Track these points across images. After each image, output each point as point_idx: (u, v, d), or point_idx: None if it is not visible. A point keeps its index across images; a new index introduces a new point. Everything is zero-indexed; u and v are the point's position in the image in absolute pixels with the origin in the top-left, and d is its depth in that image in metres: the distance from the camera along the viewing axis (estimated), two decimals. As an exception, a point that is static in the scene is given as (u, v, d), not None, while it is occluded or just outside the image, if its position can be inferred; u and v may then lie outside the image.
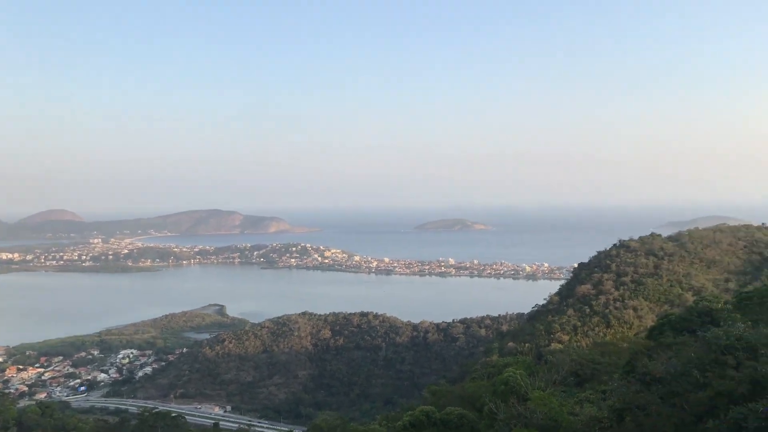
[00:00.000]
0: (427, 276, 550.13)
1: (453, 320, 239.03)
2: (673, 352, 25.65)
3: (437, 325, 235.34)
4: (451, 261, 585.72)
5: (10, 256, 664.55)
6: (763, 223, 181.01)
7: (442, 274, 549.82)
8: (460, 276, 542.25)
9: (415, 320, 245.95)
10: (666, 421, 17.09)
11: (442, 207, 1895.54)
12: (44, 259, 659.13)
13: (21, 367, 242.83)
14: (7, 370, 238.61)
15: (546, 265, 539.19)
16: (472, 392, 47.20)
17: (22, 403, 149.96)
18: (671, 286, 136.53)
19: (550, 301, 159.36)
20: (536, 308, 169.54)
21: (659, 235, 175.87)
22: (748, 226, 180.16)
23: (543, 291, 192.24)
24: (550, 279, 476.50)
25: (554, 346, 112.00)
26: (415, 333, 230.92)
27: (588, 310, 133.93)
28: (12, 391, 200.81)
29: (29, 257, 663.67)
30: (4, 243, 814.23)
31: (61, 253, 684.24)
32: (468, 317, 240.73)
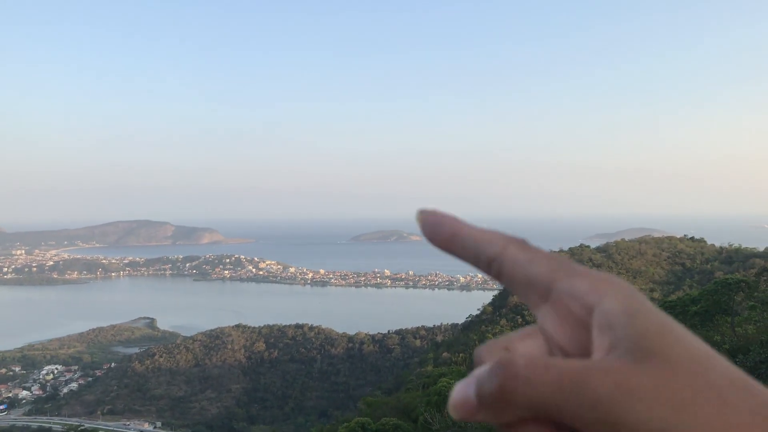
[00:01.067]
0: (363, 287, 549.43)
1: (389, 331, 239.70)
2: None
3: (372, 336, 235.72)
4: (387, 272, 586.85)
5: None
6: (685, 235, 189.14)
7: (377, 285, 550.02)
8: (395, 287, 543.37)
9: (351, 332, 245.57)
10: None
11: (378, 218, 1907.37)
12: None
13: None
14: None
15: (479, 275, 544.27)
16: (408, 403, 47.26)
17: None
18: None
19: (483, 312, 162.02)
20: (470, 318, 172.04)
21: (588, 246, 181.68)
22: (671, 238, 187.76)
23: (477, 301, 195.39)
24: (484, 289, 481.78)
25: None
26: (350, 344, 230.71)
27: (520, 320, 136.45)
28: None
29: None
30: None
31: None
32: (403, 328, 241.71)
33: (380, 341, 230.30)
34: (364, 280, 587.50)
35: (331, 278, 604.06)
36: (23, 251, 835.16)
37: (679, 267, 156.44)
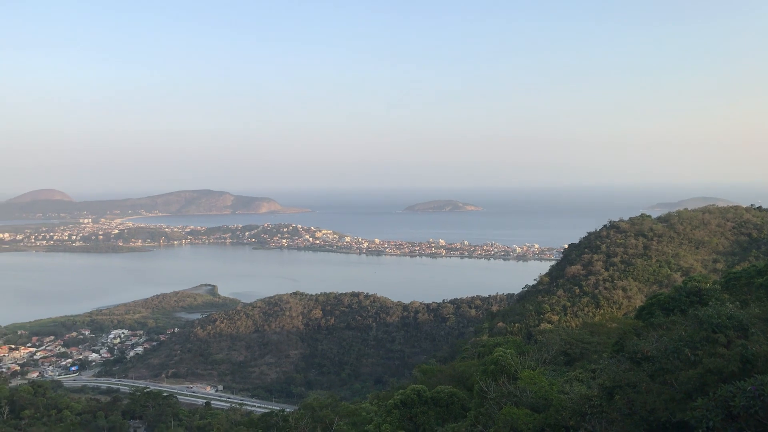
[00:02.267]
0: (418, 257, 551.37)
1: (443, 301, 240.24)
2: (663, 331, 25.79)
3: (427, 305, 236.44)
4: (442, 242, 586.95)
5: (0, 235, 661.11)
6: (752, 205, 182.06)
7: (432, 255, 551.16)
8: (450, 257, 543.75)
9: (406, 300, 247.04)
10: (656, 398, 17.18)
11: (434, 188, 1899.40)
12: (34, 239, 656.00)
13: (13, 346, 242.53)
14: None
15: (536, 246, 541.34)
16: (463, 371, 47.43)
17: (14, 382, 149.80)
18: (660, 266, 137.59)
19: (540, 282, 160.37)
20: (526, 289, 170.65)
21: (649, 216, 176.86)
22: (737, 208, 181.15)
23: (533, 272, 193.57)
24: (541, 260, 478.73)
25: (544, 326, 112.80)
26: (405, 313, 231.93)
27: (578, 291, 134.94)
28: (4, 370, 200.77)
29: (19, 237, 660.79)
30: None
31: (51, 233, 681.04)
32: (458, 298, 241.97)
33: (435, 310, 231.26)
34: (419, 250, 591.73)
35: (386, 247, 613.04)
36: (90, 220, 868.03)
37: (745, 237, 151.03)
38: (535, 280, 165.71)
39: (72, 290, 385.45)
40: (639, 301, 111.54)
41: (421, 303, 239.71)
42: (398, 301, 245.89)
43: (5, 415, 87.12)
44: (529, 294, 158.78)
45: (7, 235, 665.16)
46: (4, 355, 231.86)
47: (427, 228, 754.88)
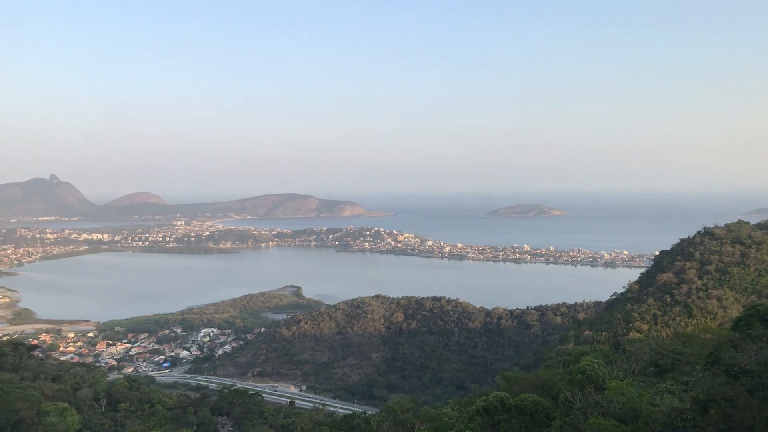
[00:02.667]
0: (501, 262, 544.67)
1: (527, 307, 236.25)
2: (763, 343, 24.51)
3: (511, 311, 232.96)
4: (526, 247, 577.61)
5: (100, 236, 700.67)
6: None
7: (516, 261, 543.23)
8: (535, 262, 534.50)
9: (488, 306, 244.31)
10: (755, 414, 16.35)
11: (518, 192, 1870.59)
12: (131, 239, 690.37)
13: (110, 342, 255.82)
14: (98, 344, 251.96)
15: (626, 252, 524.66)
16: (547, 380, 46.48)
17: (112, 376, 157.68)
18: (759, 275, 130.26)
19: (629, 290, 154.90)
20: (614, 296, 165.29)
21: (747, 223, 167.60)
22: None
23: (622, 279, 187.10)
24: (630, 267, 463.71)
25: (633, 335, 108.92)
26: (488, 319, 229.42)
27: (669, 300, 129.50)
28: (102, 365, 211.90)
29: (117, 238, 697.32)
30: (95, 224, 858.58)
31: (147, 235, 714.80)
32: (543, 304, 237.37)
33: (519, 317, 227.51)
34: (502, 255, 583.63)
35: (469, 252, 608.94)
36: (183, 222, 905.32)
37: None
38: (623, 287, 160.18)
39: (165, 289, 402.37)
40: (735, 311, 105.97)
41: (504, 309, 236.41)
42: (481, 307, 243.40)
43: (103, 407, 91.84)
44: (618, 302, 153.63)
45: (106, 236, 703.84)
46: (102, 350, 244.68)
47: (511, 232, 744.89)
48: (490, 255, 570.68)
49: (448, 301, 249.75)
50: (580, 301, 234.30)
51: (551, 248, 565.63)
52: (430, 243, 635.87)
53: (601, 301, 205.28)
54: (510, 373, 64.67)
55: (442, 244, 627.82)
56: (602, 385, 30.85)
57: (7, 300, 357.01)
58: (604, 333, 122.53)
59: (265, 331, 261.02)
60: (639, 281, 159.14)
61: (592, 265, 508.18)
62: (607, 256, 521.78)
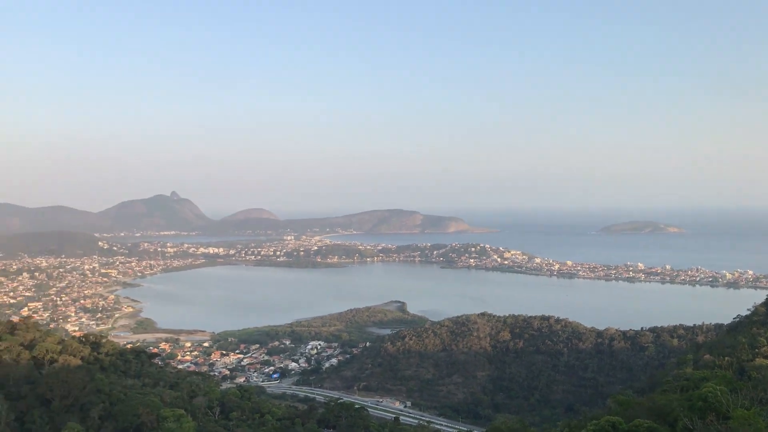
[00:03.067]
0: (613, 281, 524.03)
1: (641, 328, 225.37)
2: None
3: (624, 332, 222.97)
4: (641, 266, 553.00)
5: (216, 250, 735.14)
6: None
7: (629, 279, 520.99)
8: (650, 281, 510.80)
9: (600, 326, 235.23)
10: None
11: (632, 208, 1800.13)
12: (244, 253, 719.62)
13: (224, 352, 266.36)
14: (213, 354, 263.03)
15: (750, 272, 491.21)
16: (664, 405, 44.02)
17: (225, 385, 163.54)
18: None
19: (754, 312, 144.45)
20: (738, 319, 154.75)
21: None
22: None
23: (746, 301, 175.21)
24: (755, 288, 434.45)
25: (759, 361, 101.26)
26: (599, 340, 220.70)
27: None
28: (216, 374, 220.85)
29: (232, 252, 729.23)
30: (211, 239, 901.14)
31: (259, 249, 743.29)
32: (658, 326, 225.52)
33: (632, 338, 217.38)
34: (615, 273, 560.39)
35: (579, 270, 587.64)
36: (292, 237, 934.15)
37: None
38: (748, 309, 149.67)
39: (275, 302, 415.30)
40: None
41: (616, 330, 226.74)
42: (591, 327, 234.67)
43: (216, 415, 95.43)
44: (742, 325, 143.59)
45: (221, 250, 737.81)
46: (216, 360, 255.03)
47: (623, 250, 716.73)
48: (601, 273, 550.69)
49: (557, 320, 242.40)
50: (699, 323, 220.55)
51: (667, 267, 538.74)
52: (538, 260, 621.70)
53: (722, 324, 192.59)
54: (623, 397, 61.90)
55: (551, 261, 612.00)
56: (726, 413, 28.84)
57: (131, 310, 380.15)
58: (726, 358, 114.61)
59: (370, 346, 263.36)
60: (766, 303, 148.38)
61: (712, 285, 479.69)
62: (729, 275, 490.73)
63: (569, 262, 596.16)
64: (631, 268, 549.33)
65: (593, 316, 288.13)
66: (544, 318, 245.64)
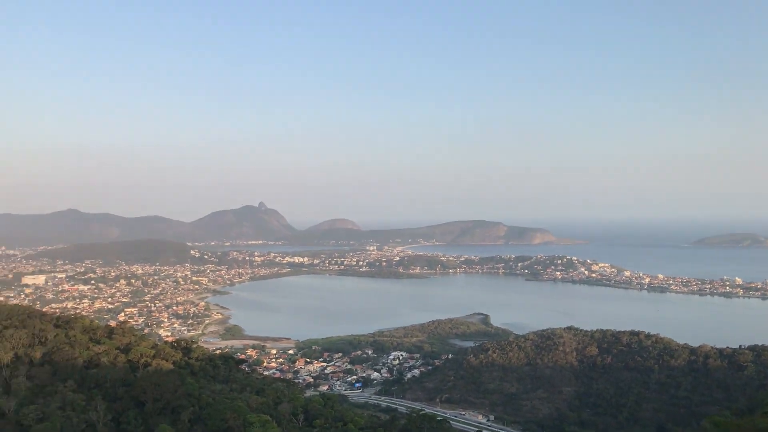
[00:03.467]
0: (708, 296, 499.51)
1: (740, 346, 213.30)
2: None
3: (720, 350, 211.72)
4: (738, 280, 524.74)
5: (301, 259, 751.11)
6: None
7: (726, 295, 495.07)
8: (748, 297, 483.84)
9: (693, 343, 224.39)
10: None
11: (729, 219, 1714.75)
12: (328, 263, 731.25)
13: (308, 360, 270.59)
14: (297, 362, 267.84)
15: None
16: (766, 429, 41.67)
17: (308, 392, 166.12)
18: None
19: None
20: None
21: None
22: None
23: None
24: None
25: None
26: (693, 357, 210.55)
27: None
28: (300, 381, 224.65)
29: (316, 261, 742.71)
30: (297, 248, 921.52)
31: (342, 259, 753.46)
32: (758, 344, 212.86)
33: (729, 356, 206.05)
34: (710, 288, 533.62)
35: (671, 284, 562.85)
36: (375, 247, 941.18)
37: None
38: None
39: (358, 311, 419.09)
40: None
41: (712, 347, 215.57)
42: (684, 344, 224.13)
43: (300, 422, 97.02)
44: None
45: (306, 259, 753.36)
46: (300, 368, 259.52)
47: (719, 264, 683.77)
48: (695, 287, 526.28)
49: (648, 335, 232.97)
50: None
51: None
52: (627, 273, 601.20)
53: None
54: (720, 419, 58.97)
55: (641, 274, 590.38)
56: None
57: (220, 316, 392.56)
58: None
59: (452, 358, 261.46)
60: None
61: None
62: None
63: (660, 276, 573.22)
64: (727, 283, 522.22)
65: (686, 332, 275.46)
66: (633, 333, 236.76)
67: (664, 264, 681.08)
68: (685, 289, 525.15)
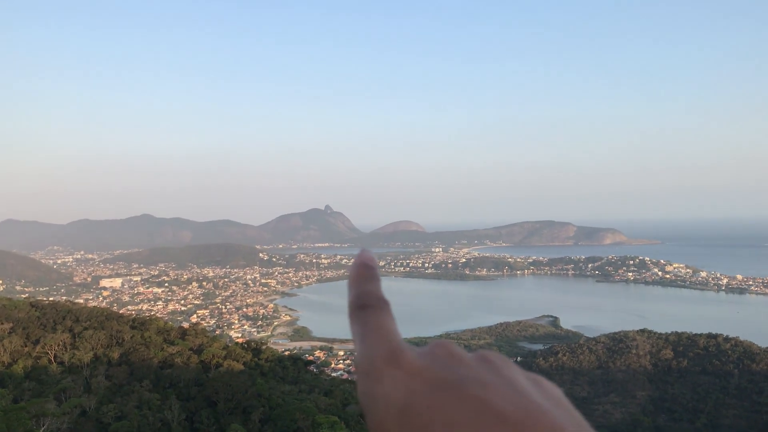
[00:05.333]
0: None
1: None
2: None
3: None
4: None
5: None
6: None
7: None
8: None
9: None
10: None
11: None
12: (393, 265, 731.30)
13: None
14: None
15: None
16: None
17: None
18: None
19: None
20: None
21: None
22: None
23: None
24: None
25: None
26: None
27: None
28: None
29: (382, 263, 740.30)
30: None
31: (408, 261, 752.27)
32: None
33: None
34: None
35: (751, 285, 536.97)
36: (440, 249, 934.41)
37: None
38: None
39: (424, 313, 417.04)
40: None
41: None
42: (766, 347, 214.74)
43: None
44: None
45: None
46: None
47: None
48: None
49: (726, 339, 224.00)
50: None
51: None
52: (703, 274, 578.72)
53: None
54: (805, 426, 56.11)
55: (718, 275, 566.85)
56: None
57: (289, 318, 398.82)
58: None
59: (521, 361, 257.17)
60: None
61: None
62: None
63: (739, 276, 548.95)
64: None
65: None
66: (710, 336, 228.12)
67: (743, 264, 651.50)
68: (767, 291, 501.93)
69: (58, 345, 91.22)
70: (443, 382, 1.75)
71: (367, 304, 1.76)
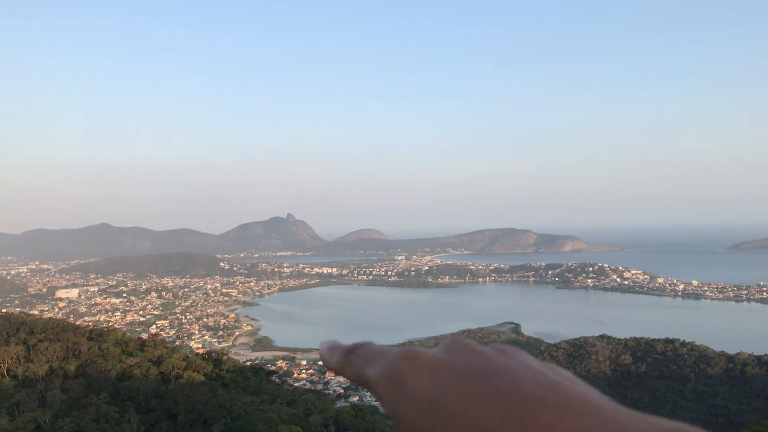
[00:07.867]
0: (745, 302, 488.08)
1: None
2: None
3: (758, 357, 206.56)
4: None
5: (329, 270, 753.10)
6: None
7: (763, 301, 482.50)
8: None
9: (731, 351, 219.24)
10: None
11: (764, 223, 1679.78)
12: (357, 273, 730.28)
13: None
14: (327, 372, 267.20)
15: None
16: (806, 438, 40.39)
17: (339, 404, 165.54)
18: None
19: None
20: None
21: None
22: None
23: None
24: None
25: None
26: (730, 365, 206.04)
27: None
28: (331, 392, 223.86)
29: (344, 272, 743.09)
30: (325, 259, 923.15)
31: (371, 269, 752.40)
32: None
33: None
34: (746, 294, 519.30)
35: (706, 290, 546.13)
36: (403, 257, 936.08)
37: None
38: None
39: (387, 321, 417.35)
40: None
41: (750, 354, 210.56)
42: (721, 351, 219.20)
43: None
44: None
45: (335, 269, 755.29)
46: (331, 378, 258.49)
47: (756, 269, 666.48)
48: (731, 294, 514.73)
49: (683, 343, 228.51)
50: None
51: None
52: (660, 280, 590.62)
53: None
54: (759, 427, 57.50)
55: (675, 281, 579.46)
56: None
57: (250, 328, 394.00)
58: None
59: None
60: None
61: None
62: None
63: (695, 282, 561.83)
64: (764, 289, 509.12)
65: (723, 339, 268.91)
66: (668, 341, 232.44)
67: (699, 270, 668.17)
68: (721, 296, 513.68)
69: (12, 358, 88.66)
70: (467, 371, 1.89)
71: (352, 347, 1.93)
